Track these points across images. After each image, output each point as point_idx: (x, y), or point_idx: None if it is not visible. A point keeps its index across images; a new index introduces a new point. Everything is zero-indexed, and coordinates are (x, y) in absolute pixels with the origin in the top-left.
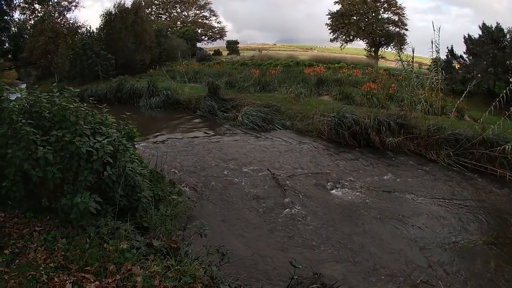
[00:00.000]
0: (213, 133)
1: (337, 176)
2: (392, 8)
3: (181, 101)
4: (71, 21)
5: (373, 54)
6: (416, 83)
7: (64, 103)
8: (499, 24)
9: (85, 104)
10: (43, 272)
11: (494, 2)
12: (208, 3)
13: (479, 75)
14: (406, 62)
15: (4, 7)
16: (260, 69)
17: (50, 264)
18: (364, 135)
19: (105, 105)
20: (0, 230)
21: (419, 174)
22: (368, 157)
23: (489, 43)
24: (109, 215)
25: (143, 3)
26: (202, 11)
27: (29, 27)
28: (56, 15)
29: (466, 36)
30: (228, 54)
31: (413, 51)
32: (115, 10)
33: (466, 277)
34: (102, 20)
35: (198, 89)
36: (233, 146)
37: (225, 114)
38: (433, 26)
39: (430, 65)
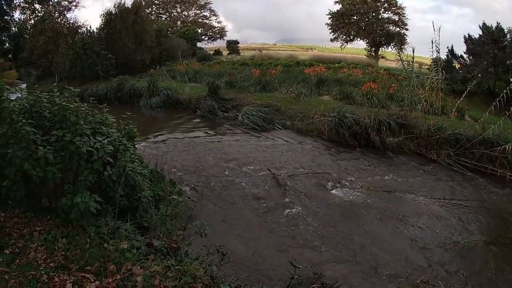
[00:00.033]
0: (213, 133)
1: (338, 176)
2: (393, 8)
3: (182, 101)
4: (71, 21)
5: (374, 54)
6: (416, 83)
7: (64, 103)
8: (499, 24)
9: (85, 104)
10: (43, 272)
11: (495, 2)
12: (208, 3)
13: (480, 75)
14: (406, 62)
15: (4, 7)
16: (261, 69)
17: (50, 264)
18: (364, 135)
19: (105, 105)
20: (0, 230)
21: (420, 174)
22: (368, 157)
23: (490, 43)
24: (110, 215)
25: (143, 3)
26: (202, 11)
27: (29, 27)
28: (56, 15)
29: (467, 36)
30: (228, 54)
31: (413, 51)
32: (115, 10)
33: (467, 277)
34: (102, 20)
35: (198, 89)
36: (234, 146)
37: (226, 114)
38: (433, 26)
39: (430, 65)
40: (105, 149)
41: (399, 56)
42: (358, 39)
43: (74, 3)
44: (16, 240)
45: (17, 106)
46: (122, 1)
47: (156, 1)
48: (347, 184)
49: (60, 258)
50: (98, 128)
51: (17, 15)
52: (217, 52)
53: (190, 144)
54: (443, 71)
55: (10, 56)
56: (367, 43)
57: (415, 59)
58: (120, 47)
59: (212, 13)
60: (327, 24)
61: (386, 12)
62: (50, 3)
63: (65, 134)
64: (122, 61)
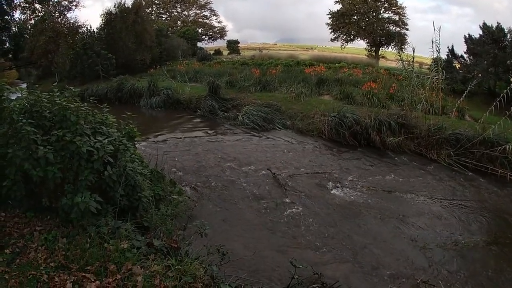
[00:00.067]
0: (213, 133)
1: (338, 176)
2: (393, 8)
3: (182, 101)
4: (71, 21)
5: (374, 54)
6: (416, 83)
7: (64, 103)
8: (499, 23)
9: (85, 103)
10: (43, 272)
11: (495, 2)
12: (209, 2)
13: (480, 75)
14: (406, 62)
15: (5, 7)
16: (261, 68)
17: (50, 264)
18: (364, 135)
19: (105, 104)
20: (0, 229)
21: (420, 174)
22: (368, 157)
23: (490, 42)
24: (110, 214)
25: (144, 2)
26: (203, 10)
27: (29, 26)
28: (57, 14)
29: (467, 35)
30: (228, 53)
31: (413, 51)
32: (115, 9)
33: (467, 277)
34: (102, 20)
35: (198, 89)
36: (234, 146)
37: (226, 113)
38: (434, 26)
39: (430, 65)
40: (106, 149)
41: (400, 56)
42: (359, 39)
43: (74, 3)
44: (16, 240)
45: (17, 106)
46: (123, 1)
47: (156, 1)
48: (348, 184)
49: (61, 258)
50: (99, 128)
51: (17, 15)
52: (218, 52)
53: (191, 144)
54: (444, 71)
55: (10, 56)
56: (367, 43)
57: (415, 59)
58: (121, 47)
59: (213, 13)
60: (327, 24)
61: (387, 12)
62: (50, 3)
63: (65, 134)
64: (122, 61)
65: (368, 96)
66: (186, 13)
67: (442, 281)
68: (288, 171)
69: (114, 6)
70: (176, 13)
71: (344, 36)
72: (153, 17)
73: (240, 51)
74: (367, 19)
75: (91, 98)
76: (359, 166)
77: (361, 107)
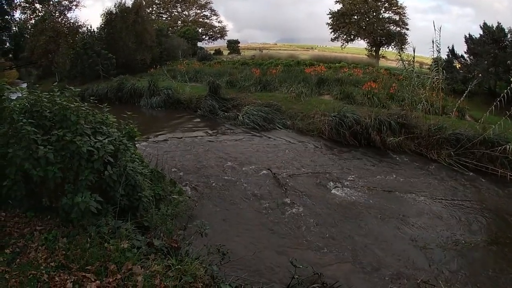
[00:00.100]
0: (214, 133)
1: (338, 176)
2: (393, 8)
3: (182, 101)
4: (71, 21)
5: (374, 54)
6: (417, 83)
7: (65, 103)
8: (500, 24)
9: (86, 103)
10: (44, 272)
11: (495, 2)
12: (209, 2)
13: (480, 74)
14: (407, 62)
15: (5, 7)
16: (261, 68)
17: (51, 264)
18: (365, 135)
19: (106, 104)
20: (1, 229)
21: (421, 174)
22: (369, 157)
23: (490, 42)
24: (110, 214)
25: (144, 2)
26: (203, 10)
27: (29, 26)
28: (57, 14)
29: (467, 35)
30: (229, 53)
31: (414, 51)
32: (115, 9)
33: (467, 277)
34: (102, 20)
35: (199, 89)
36: (234, 146)
37: (226, 113)
38: (434, 26)
39: (431, 65)
40: (106, 149)
41: (400, 56)
42: (359, 38)
43: (74, 3)
44: (16, 239)
45: (17, 105)
46: (123, 1)
47: (156, 1)
48: (348, 183)
49: (61, 257)
50: (99, 128)
51: (17, 14)
52: (218, 51)
53: (191, 143)
54: (444, 71)
55: (10, 55)
56: (367, 42)
57: (415, 59)
58: (121, 46)
59: (213, 13)
60: (327, 23)
61: (387, 12)
62: (51, 2)
63: (65, 134)
64: (122, 61)
65: (369, 96)
66: (187, 13)
67: (442, 281)
68: (288, 171)
69: (115, 6)
70: (176, 13)
71: (345, 36)
72: (153, 17)
73: (241, 51)
74: (367, 19)
75: (91, 98)
76: (359, 166)
77: (361, 107)
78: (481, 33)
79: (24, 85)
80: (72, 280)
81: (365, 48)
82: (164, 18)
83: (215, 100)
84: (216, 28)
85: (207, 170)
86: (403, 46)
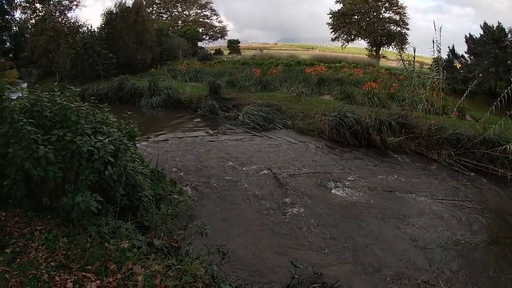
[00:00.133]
0: (214, 133)
1: (338, 176)
2: (394, 8)
3: (182, 100)
4: (72, 20)
5: (374, 54)
6: (417, 83)
7: (65, 103)
8: (500, 23)
9: (86, 103)
10: (44, 271)
11: (496, 2)
12: (209, 2)
13: (481, 74)
14: (407, 62)
15: (5, 6)
16: (261, 68)
17: (51, 263)
18: (365, 135)
19: (106, 104)
20: (1, 229)
21: (422, 174)
22: (369, 157)
23: (491, 42)
24: (110, 214)
25: (144, 2)
26: (203, 10)
27: (30, 26)
28: (57, 14)
29: (468, 35)
30: (229, 53)
31: (414, 51)
32: (116, 9)
33: (467, 277)
34: (103, 19)
35: (199, 89)
36: (234, 146)
37: (226, 113)
38: (435, 26)
39: (431, 65)
40: (106, 149)
41: (400, 55)
42: (359, 38)
43: (75, 3)
44: (17, 239)
45: (18, 105)
46: (123, 1)
47: (157, 1)
48: (348, 183)
49: (61, 257)
50: (99, 128)
51: (18, 14)
52: (218, 51)
53: (191, 143)
54: (444, 70)
55: (11, 55)
56: (368, 42)
57: (416, 59)
58: (121, 46)
59: (213, 13)
60: (328, 23)
61: (387, 12)
62: (51, 2)
63: (66, 134)
64: (123, 61)
65: (369, 96)
66: (187, 12)
67: (443, 281)
68: (288, 170)
69: (115, 6)
70: (176, 13)
71: (345, 36)
72: (153, 17)
73: (241, 50)
74: (367, 19)
75: (91, 97)
76: (361, 166)
77: (361, 107)
78: (482, 33)
79: (25, 85)
80: (73, 279)
81: (366, 48)
82: (164, 18)
83: (216, 100)
84: (217, 28)
85: (208, 170)
86: (403, 46)
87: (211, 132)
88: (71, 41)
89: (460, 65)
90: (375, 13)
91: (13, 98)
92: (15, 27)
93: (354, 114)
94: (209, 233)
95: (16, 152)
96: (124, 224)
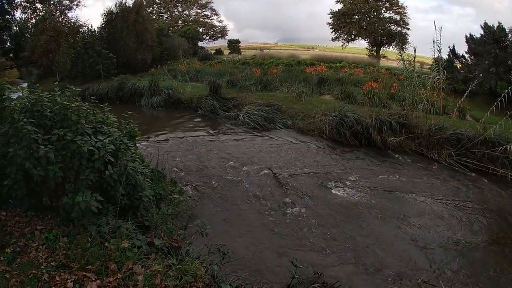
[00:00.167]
0: (214, 132)
1: (339, 176)
2: (394, 8)
3: (183, 100)
4: (72, 20)
5: (375, 54)
6: (417, 83)
7: (65, 102)
8: (501, 23)
9: (86, 103)
10: (44, 271)
11: (496, 2)
12: (210, 2)
13: (481, 74)
14: (407, 62)
15: (6, 6)
16: (262, 68)
17: (51, 263)
18: (365, 135)
19: (106, 104)
20: (1, 229)
21: (423, 174)
22: (369, 157)
23: (491, 42)
24: (111, 214)
25: (145, 2)
26: (204, 10)
27: (30, 26)
28: (58, 14)
29: (468, 35)
30: (229, 53)
31: (414, 51)
32: (116, 9)
33: (468, 277)
34: (103, 19)
35: (199, 88)
36: (234, 145)
37: (227, 113)
38: (435, 26)
39: (431, 65)
40: (106, 148)
41: (401, 55)
42: (360, 38)
43: (75, 3)
44: (17, 239)
45: (18, 105)
46: (124, 1)
47: (157, 0)
48: (349, 183)
49: (61, 257)
50: (99, 127)
51: (18, 14)
52: (218, 51)
53: (191, 143)
54: (445, 70)
55: (11, 55)
56: (368, 42)
57: (416, 59)
58: (121, 46)
59: (213, 13)
60: (328, 23)
61: (388, 12)
62: (51, 2)
63: (66, 133)
64: (123, 60)
65: (369, 95)
66: (187, 12)
67: (443, 281)
68: (289, 170)
69: (115, 6)
70: (177, 13)
71: (345, 36)
72: (154, 17)
73: (241, 50)
74: (368, 19)
75: (92, 97)
76: (362, 166)
77: (362, 107)
78: (482, 33)
79: (25, 85)
80: (73, 279)
81: (366, 48)
82: (164, 18)
83: (216, 100)
84: (217, 28)
85: (209, 170)
86: (404, 46)
87: (211, 132)
88: (72, 40)
89: (460, 65)
90: (375, 13)
91: (13, 97)
92: (16, 27)
93: (354, 114)
94: (210, 233)
95: (16, 152)
96: (124, 223)
